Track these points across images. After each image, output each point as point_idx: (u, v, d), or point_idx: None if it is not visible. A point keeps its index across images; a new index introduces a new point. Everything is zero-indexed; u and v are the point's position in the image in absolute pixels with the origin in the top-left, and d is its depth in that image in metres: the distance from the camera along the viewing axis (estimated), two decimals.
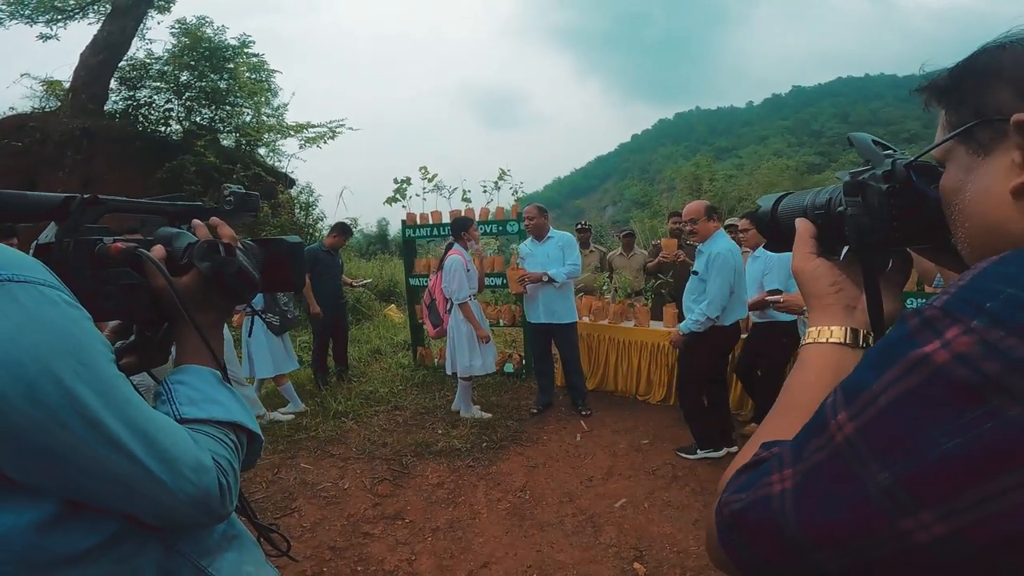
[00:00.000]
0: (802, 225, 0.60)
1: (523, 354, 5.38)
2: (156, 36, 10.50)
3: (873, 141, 0.56)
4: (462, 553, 2.63)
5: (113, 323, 0.74)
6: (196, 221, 0.70)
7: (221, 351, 0.68)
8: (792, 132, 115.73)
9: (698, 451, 3.52)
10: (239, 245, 0.69)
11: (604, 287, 5.48)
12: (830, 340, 0.54)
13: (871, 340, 0.54)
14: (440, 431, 4.05)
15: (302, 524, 2.88)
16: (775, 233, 0.68)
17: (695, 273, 3.35)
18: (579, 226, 6.27)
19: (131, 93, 9.06)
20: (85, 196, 0.63)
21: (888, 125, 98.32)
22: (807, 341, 0.56)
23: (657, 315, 4.83)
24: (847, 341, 0.53)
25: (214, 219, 0.72)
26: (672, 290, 5.05)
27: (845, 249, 0.60)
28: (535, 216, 4.23)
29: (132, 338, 0.72)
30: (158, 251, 0.65)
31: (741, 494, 0.43)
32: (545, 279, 4.08)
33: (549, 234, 4.25)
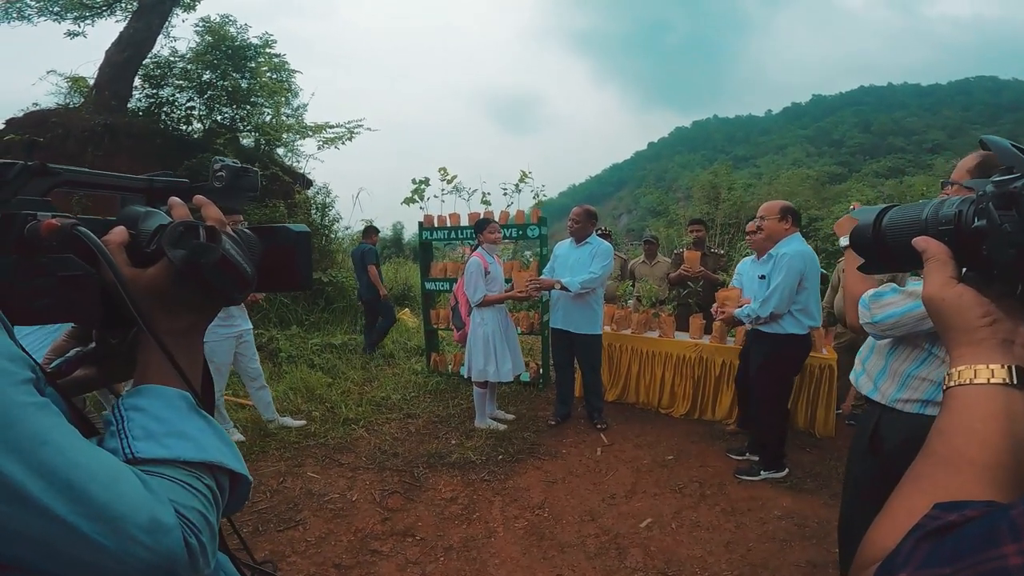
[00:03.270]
0: (937, 246, 0.52)
1: (540, 363, 5.21)
2: (180, 34, 10.59)
3: (1012, 146, 0.48)
4: (476, 575, 2.47)
5: (70, 326, 0.59)
6: (174, 199, 0.54)
7: (196, 367, 0.52)
8: (812, 141, 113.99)
9: (762, 472, 3.33)
10: (228, 231, 0.53)
11: (627, 295, 5.29)
12: (991, 381, 0.46)
13: None
14: (454, 441, 3.89)
15: (307, 538, 2.73)
16: (881, 251, 0.58)
17: (762, 277, 3.21)
18: (599, 231, 6.10)
19: (155, 91, 9.08)
20: (29, 163, 0.49)
21: (912, 135, 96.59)
22: (958, 382, 0.48)
23: (683, 326, 4.63)
24: (1012, 382, 0.46)
25: (198, 198, 0.56)
26: (700, 300, 4.84)
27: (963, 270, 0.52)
28: (581, 220, 4.05)
29: (92, 345, 0.57)
30: (118, 234, 0.49)
31: (942, 568, 0.36)
32: (558, 287, 3.91)
33: (588, 240, 4.07)
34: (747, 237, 3.72)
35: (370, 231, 6.74)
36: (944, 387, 0.49)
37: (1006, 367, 0.46)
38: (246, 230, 0.58)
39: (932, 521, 0.40)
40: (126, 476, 0.41)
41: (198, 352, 0.54)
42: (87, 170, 0.55)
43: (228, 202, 0.62)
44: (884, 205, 0.59)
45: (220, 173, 0.62)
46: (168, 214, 0.54)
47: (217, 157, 0.63)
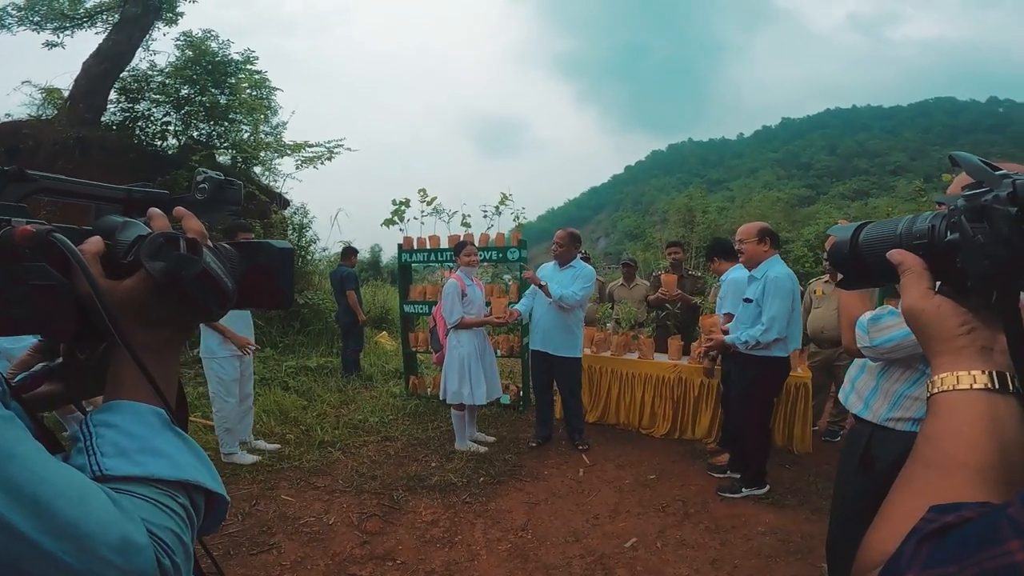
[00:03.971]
0: (912, 258, 0.52)
1: (520, 385, 5.18)
2: (160, 48, 10.44)
3: (981, 161, 0.50)
4: None
5: (35, 340, 0.57)
6: (153, 210, 0.52)
7: (172, 383, 0.50)
8: (781, 164, 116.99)
9: (743, 490, 3.34)
10: (209, 244, 0.52)
11: (606, 318, 5.32)
12: (974, 386, 0.47)
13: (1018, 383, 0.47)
14: (434, 464, 3.82)
15: (281, 562, 2.63)
16: (857, 267, 0.59)
17: (747, 300, 3.21)
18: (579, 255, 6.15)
19: (130, 105, 8.91)
20: (7, 168, 0.47)
21: (875, 156, 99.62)
22: (941, 389, 0.49)
23: (661, 347, 4.67)
24: (995, 386, 0.47)
25: (179, 210, 0.54)
26: (678, 322, 4.90)
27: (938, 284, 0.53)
28: (565, 243, 4.08)
29: (59, 359, 0.54)
30: (94, 243, 0.47)
31: (947, 567, 0.36)
32: (542, 283, 3.94)
33: (572, 263, 4.09)
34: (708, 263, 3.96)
35: (349, 253, 6.69)
36: (928, 394, 0.50)
37: (987, 372, 0.47)
38: (226, 245, 0.57)
39: (930, 523, 0.40)
40: (95, 494, 0.38)
41: (174, 368, 0.52)
42: (65, 177, 0.54)
43: (210, 215, 0.60)
44: (861, 222, 0.60)
45: (203, 185, 0.60)
46: (147, 225, 0.52)
47: (200, 169, 0.62)
